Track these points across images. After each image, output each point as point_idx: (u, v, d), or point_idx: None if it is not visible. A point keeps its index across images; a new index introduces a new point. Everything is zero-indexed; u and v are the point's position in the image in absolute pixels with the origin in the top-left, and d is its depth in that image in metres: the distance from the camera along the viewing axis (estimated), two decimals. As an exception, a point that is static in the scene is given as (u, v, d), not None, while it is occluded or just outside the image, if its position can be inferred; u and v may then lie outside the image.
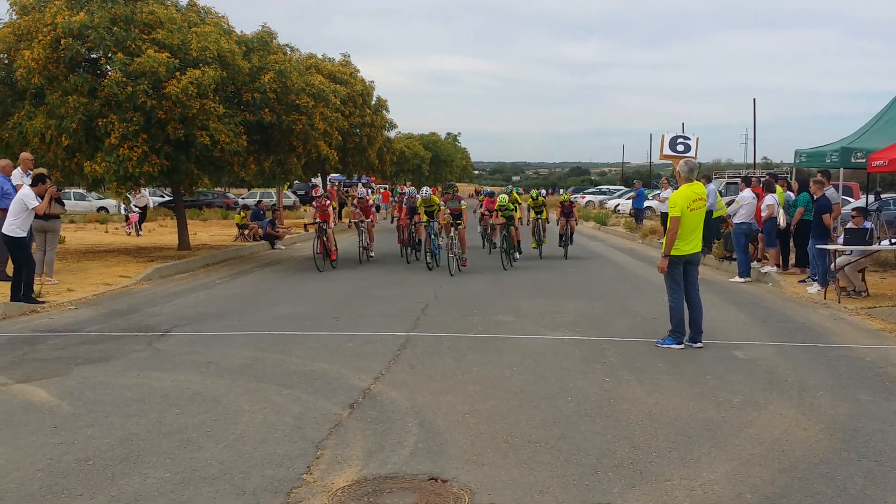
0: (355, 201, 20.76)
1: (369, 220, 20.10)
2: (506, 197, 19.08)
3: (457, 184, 43.01)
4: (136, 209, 27.95)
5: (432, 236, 17.62)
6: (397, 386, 7.25)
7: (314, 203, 18.48)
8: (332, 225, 18.15)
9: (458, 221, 16.99)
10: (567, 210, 21.07)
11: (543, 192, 22.70)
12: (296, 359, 8.40)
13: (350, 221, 21.27)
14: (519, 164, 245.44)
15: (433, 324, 10.54)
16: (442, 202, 18.05)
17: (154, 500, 4.67)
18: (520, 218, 20.12)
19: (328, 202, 18.39)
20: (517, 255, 19.33)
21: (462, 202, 17.77)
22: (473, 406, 6.61)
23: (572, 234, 21.12)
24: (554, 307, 12.01)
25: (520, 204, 20.37)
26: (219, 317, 11.17)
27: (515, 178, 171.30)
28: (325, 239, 17.74)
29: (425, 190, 19.02)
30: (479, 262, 18.90)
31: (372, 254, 20.09)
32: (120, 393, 7.00)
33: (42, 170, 14.27)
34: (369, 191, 41.51)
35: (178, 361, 8.27)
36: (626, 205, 43.22)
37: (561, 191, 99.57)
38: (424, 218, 18.01)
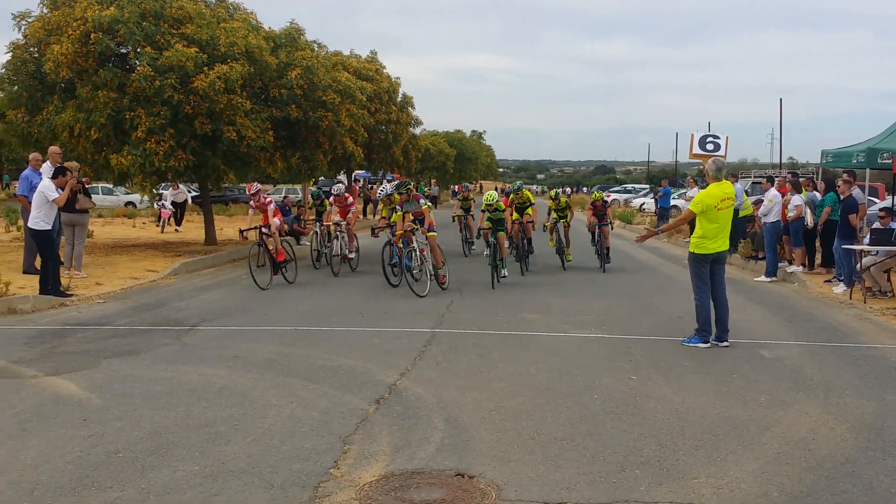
0: (331, 199, 17.27)
1: (345, 222, 16.88)
2: (494, 194, 15.33)
3: (471, 183, 37.37)
4: (171, 207, 27.83)
5: (398, 246, 13.67)
6: (423, 382, 7.27)
7: (252, 203, 14.91)
8: (274, 230, 14.58)
9: (416, 227, 13.66)
10: (600, 212, 17.59)
11: (568, 190, 20.13)
12: (322, 354, 8.44)
13: (323, 225, 17.22)
14: (543, 162, 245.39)
15: (458, 321, 10.55)
16: (398, 206, 14.28)
17: (183, 492, 4.72)
18: (531, 221, 16.61)
19: (269, 199, 14.83)
20: (525, 266, 16.16)
21: (422, 201, 14.09)
22: (499, 403, 6.61)
23: (607, 245, 17.38)
24: (579, 305, 11.98)
25: (532, 203, 16.86)
26: (245, 311, 11.25)
27: (540, 177, 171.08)
28: (268, 247, 14.40)
29: (384, 188, 15.82)
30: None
31: (351, 255, 16.81)
32: (148, 386, 7.07)
33: (74, 163, 14.44)
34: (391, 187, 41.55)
35: (206, 355, 8.34)
36: (651, 203, 42.96)
37: (585, 189, 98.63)
38: (393, 218, 14.31)
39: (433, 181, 76.49)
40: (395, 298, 12.59)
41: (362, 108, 22.86)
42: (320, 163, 21.71)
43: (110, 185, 40.67)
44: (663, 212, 30.21)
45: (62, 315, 10.83)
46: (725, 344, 8.99)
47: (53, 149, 15.00)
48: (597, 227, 17.33)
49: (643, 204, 48.48)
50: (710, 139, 14.39)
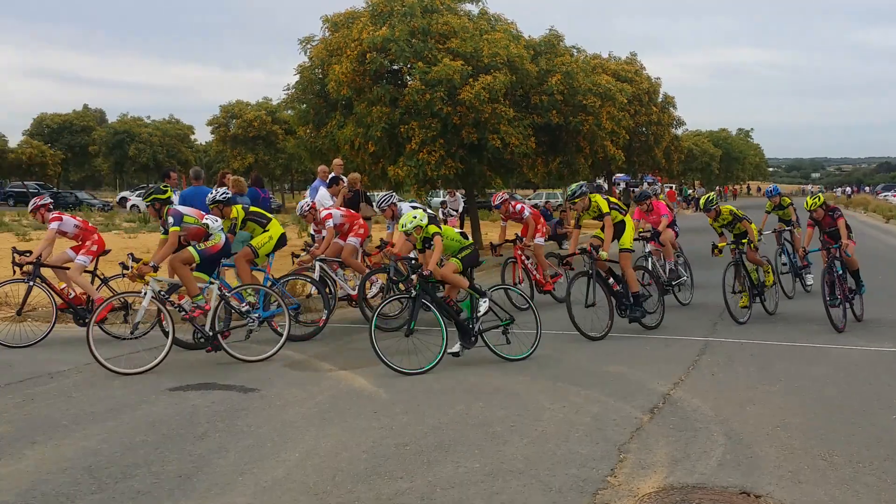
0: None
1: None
2: (412, 216, 8.53)
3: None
4: (453, 213, 28.45)
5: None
6: (698, 393, 7.03)
7: (53, 227, 9.85)
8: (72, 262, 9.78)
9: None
10: (830, 227, 10.75)
11: (777, 189, 13.36)
12: (591, 359, 8.43)
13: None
14: (818, 160, 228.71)
15: (733, 329, 10.07)
16: (162, 226, 8.92)
17: (467, 488, 4.91)
18: (596, 246, 9.72)
19: (55, 217, 9.91)
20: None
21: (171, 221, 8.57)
22: (784, 419, 6.23)
23: (851, 273, 10.55)
24: (869, 316, 10.96)
25: (606, 214, 9.87)
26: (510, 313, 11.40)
27: (815, 175, 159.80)
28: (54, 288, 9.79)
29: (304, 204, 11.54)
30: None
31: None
32: (428, 383, 7.45)
33: (356, 174, 15.59)
34: (655, 190, 40.52)
35: (477, 356, 8.59)
36: None
37: (867, 189, 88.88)
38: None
39: (697, 183, 73.95)
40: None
41: (622, 110, 22.61)
42: (581, 167, 21.80)
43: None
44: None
45: (351, 314, 11.66)
46: None
47: (337, 161, 16.26)
48: (826, 251, 10.45)
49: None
50: None
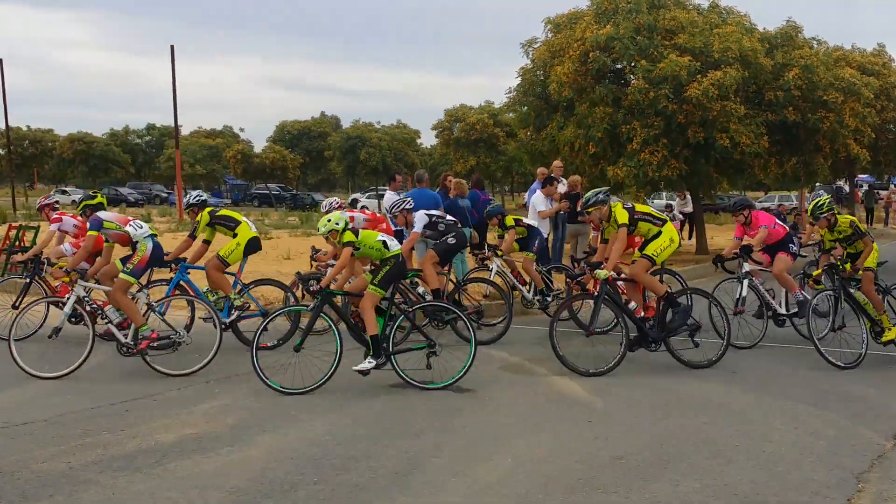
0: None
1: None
2: (332, 217, 7.70)
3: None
4: (681, 215, 27.33)
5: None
6: (955, 420, 6.26)
7: (53, 228, 10.17)
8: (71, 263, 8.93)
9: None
10: None
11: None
12: (827, 377, 7.76)
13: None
14: None
15: None
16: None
17: (685, 509, 4.66)
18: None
19: (56, 217, 10.20)
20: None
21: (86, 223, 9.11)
22: None
23: None
24: None
25: (625, 225, 8.44)
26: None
27: None
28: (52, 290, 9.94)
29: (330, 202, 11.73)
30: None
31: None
32: (646, 394, 7.18)
33: (576, 177, 15.46)
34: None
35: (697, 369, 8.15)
36: None
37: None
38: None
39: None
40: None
41: (868, 105, 20.74)
42: (820, 167, 20.26)
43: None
44: None
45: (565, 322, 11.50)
46: None
47: (556, 163, 16.20)
48: None
49: None
50: None
